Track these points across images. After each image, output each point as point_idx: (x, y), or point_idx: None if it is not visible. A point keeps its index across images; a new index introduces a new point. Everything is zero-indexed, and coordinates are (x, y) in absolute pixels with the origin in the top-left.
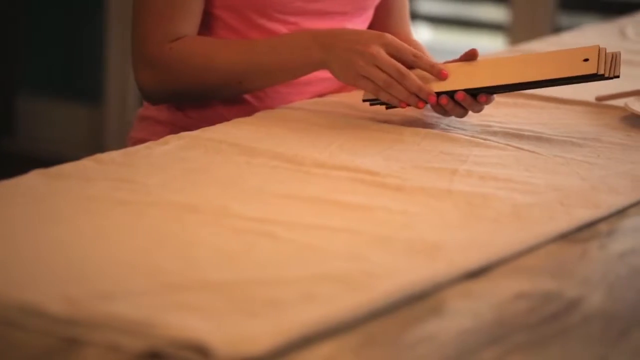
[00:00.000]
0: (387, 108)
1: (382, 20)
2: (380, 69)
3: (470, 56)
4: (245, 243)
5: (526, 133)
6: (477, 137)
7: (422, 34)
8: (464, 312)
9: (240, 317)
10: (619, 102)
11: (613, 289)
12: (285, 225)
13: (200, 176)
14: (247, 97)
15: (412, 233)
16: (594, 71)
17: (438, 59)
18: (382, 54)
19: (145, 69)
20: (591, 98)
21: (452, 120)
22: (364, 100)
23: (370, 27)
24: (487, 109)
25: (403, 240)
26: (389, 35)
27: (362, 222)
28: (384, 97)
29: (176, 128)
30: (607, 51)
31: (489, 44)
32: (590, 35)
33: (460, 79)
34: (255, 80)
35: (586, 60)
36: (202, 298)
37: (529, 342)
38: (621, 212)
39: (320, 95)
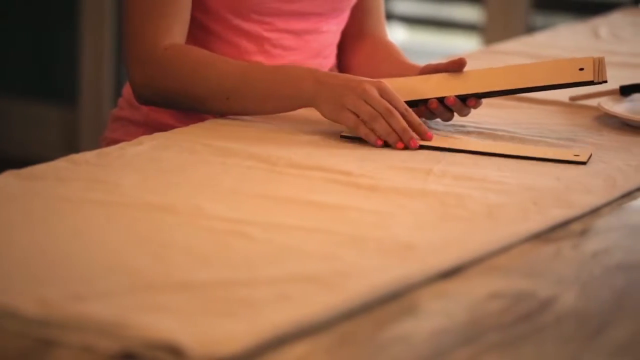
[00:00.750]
0: None
1: (358, 21)
2: (368, 104)
3: (458, 64)
4: (219, 243)
5: (500, 133)
6: (452, 137)
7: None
8: (438, 312)
9: (215, 317)
10: (593, 102)
11: (586, 288)
12: (259, 225)
13: (174, 177)
14: None
15: (385, 233)
16: (590, 79)
17: (413, 59)
18: (374, 92)
19: (136, 67)
20: (565, 98)
21: (427, 120)
22: (342, 137)
23: (346, 29)
24: None
25: (377, 240)
26: (385, 82)
27: (336, 222)
28: (362, 131)
29: (150, 129)
30: (598, 59)
31: (464, 44)
32: (564, 36)
33: (454, 86)
34: (242, 100)
35: (582, 69)
36: (176, 298)
37: (502, 341)
38: (594, 212)
39: None
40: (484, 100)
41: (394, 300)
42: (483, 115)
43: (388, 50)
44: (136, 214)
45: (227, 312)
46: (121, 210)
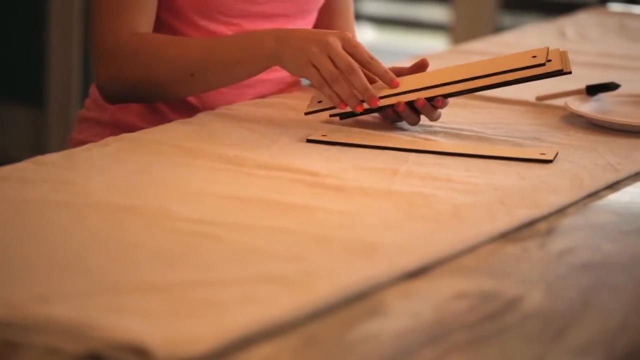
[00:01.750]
0: (330, 116)
1: (326, 22)
2: (332, 60)
3: (421, 66)
4: (185, 244)
5: (466, 133)
6: (418, 138)
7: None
8: (404, 312)
9: (180, 318)
10: (559, 102)
11: (552, 287)
12: (225, 226)
13: (140, 178)
14: (189, 98)
15: (352, 233)
16: (559, 68)
17: (382, 59)
18: (338, 45)
19: (101, 63)
20: (531, 98)
21: (400, 118)
22: (306, 114)
23: (315, 29)
24: None
25: (343, 241)
26: (348, 34)
27: (302, 223)
28: (326, 92)
29: (117, 129)
30: (560, 50)
31: (432, 44)
32: (531, 35)
33: (420, 86)
34: (207, 74)
35: (549, 60)
36: (141, 300)
37: (468, 341)
38: (561, 212)
39: (262, 97)
40: (451, 100)
41: (360, 300)
42: (450, 115)
43: None
44: (102, 216)
45: (193, 313)
46: (86, 211)
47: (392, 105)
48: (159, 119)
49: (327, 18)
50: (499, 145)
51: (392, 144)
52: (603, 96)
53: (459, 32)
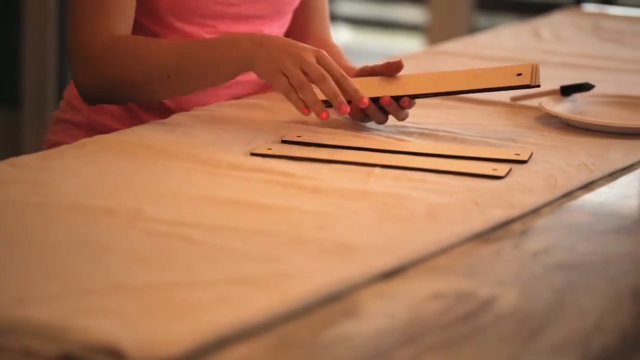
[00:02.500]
0: None
1: (301, 23)
2: (304, 71)
3: (395, 67)
4: (159, 246)
5: (441, 133)
6: (393, 138)
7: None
8: (379, 313)
9: (155, 320)
10: (534, 102)
11: (526, 288)
12: (200, 227)
13: (115, 179)
14: (164, 100)
15: (327, 234)
16: (527, 82)
17: (358, 60)
18: (312, 60)
19: (79, 65)
20: (506, 99)
21: (367, 118)
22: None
23: (290, 30)
24: None
25: (318, 242)
26: (323, 51)
27: (277, 224)
28: (292, 97)
29: (92, 131)
30: (533, 65)
31: (407, 45)
32: (505, 36)
33: (389, 88)
34: (183, 75)
35: (519, 74)
36: (116, 301)
37: (443, 342)
38: (535, 212)
39: (237, 98)
40: (424, 101)
41: (335, 301)
42: (424, 115)
43: (329, 51)
44: (76, 217)
45: (167, 315)
46: (61, 213)
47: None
48: (134, 121)
49: (302, 18)
50: (474, 145)
51: (367, 145)
52: (577, 96)
53: (434, 33)
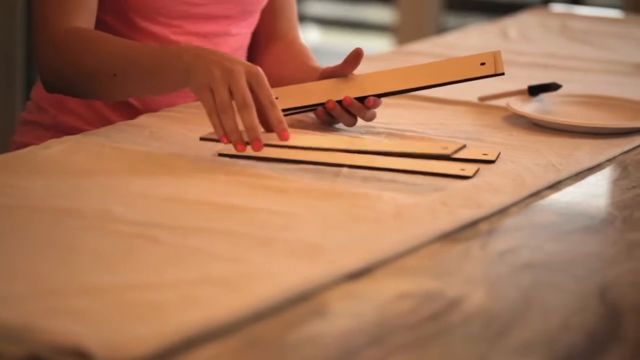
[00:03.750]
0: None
1: (269, 23)
2: (231, 90)
3: (355, 56)
4: (126, 247)
5: (409, 133)
6: (361, 138)
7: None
8: (346, 313)
9: (121, 321)
10: (501, 102)
11: (493, 287)
12: (167, 228)
13: (82, 180)
14: (131, 100)
15: (294, 234)
16: (492, 72)
17: (327, 60)
18: (242, 77)
19: (41, 52)
20: (474, 98)
21: (336, 121)
22: (202, 139)
23: (258, 30)
24: None
25: (285, 242)
26: (261, 70)
27: (244, 225)
28: (213, 120)
29: (59, 132)
30: (495, 53)
31: (377, 45)
32: (473, 36)
33: (351, 88)
34: (126, 78)
35: (483, 64)
36: (82, 303)
37: (410, 342)
38: (502, 211)
39: None
40: (392, 101)
41: (302, 301)
42: (392, 115)
43: (296, 52)
44: (43, 218)
45: (134, 316)
46: (28, 214)
47: (323, 104)
48: (101, 122)
49: (269, 19)
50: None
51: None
52: (545, 96)
53: (403, 33)
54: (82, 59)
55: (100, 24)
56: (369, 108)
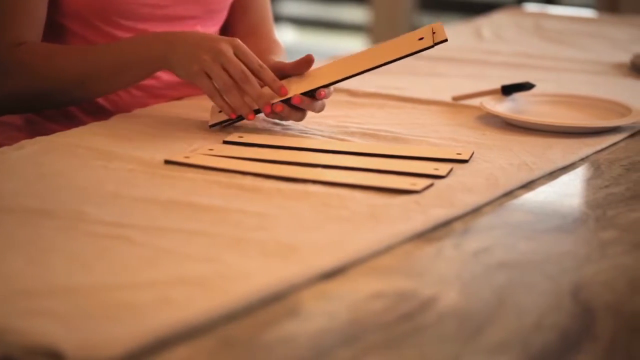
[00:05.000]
0: (210, 126)
1: (239, 20)
2: (225, 69)
3: (305, 63)
4: (100, 248)
5: (383, 133)
6: (335, 138)
7: (286, 35)
8: (320, 313)
9: (95, 321)
10: (475, 102)
11: (467, 287)
12: (140, 229)
13: (56, 181)
14: (103, 102)
15: (267, 235)
16: (431, 43)
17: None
18: (230, 52)
19: None
20: (447, 98)
21: (310, 121)
22: (211, 126)
23: (228, 27)
24: (344, 110)
25: (259, 242)
26: (238, 40)
27: (217, 225)
28: (217, 101)
29: (32, 133)
30: (433, 26)
31: (351, 44)
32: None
33: (300, 84)
34: (98, 81)
35: (421, 38)
36: (56, 303)
37: (384, 341)
38: (476, 211)
39: (177, 99)
40: (366, 101)
41: (276, 301)
42: (366, 116)
43: (264, 48)
44: (16, 220)
45: (108, 316)
46: (1, 215)
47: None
48: (74, 123)
49: (240, 14)
50: (415, 145)
51: (309, 145)
52: (518, 96)
53: (377, 33)
54: (42, 79)
55: (65, 31)
56: (320, 101)
